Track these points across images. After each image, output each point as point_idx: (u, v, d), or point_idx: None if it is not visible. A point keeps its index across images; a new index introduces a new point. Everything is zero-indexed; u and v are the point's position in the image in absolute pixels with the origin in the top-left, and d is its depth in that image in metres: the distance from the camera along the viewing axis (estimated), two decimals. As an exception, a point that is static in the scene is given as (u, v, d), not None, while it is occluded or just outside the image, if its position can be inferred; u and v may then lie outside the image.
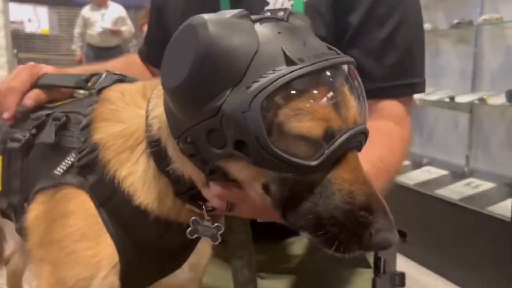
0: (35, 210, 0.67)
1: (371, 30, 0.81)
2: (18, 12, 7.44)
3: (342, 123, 0.51)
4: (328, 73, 0.52)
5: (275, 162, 0.49)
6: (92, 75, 0.76)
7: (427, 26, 2.53)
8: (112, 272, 0.64)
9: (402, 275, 0.99)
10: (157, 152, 0.61)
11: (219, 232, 0.63)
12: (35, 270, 0.68)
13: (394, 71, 0.81)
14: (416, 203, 2.16)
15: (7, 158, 0.74)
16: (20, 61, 6.64)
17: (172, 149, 0.59)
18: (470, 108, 2.48)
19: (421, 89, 0.86)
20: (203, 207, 0.62)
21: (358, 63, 0.75)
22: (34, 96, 0.77)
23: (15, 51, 6.15)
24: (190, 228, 0.63)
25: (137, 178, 0.62)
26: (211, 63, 0.48)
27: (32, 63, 0.81)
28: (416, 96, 2.44)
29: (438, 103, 2.53)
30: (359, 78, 0.56)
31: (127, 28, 5.85)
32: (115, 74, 0.76)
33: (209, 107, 0.49)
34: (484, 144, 2.46)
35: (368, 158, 0.61)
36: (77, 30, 5.99)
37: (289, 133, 0.49)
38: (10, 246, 1.15)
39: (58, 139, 0.68)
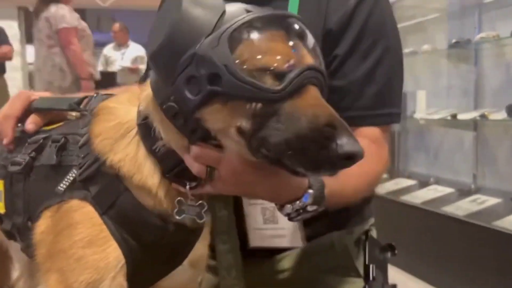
0: (42, 226, 0.71)
1: (355, 63, 0.87)
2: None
3: (299, 59, 0.60)
4: (285, 21, 0.63)
5: (244, 88, 0.56)
6: (84, 97, 0.81)
7: (426, 47, 2.58)
8: (120, 273, 0.67)
9: (394, 287, 1.01)
10: (145, 131, 0.67)
11: (203, 210, 0.69)
12: (44, 281, 0.71)
13: (375, 101, 0.88)
14: (423, 221, 2.16)
15: (9, 182, 0.78)
16: (37, 100, 6.85)
17: (158, 120, 0.65)
18: (474, 125, 2.49)
19: (397, 120, 0.92)
20: (187, 184, 0.67)
21: (342, 92, 0.86)
22: (33, 121, 0.81)
23: (32, 91, 6.36)
24: (176, 209, 0.67)
25: (129, 159, 0.68)
26: (186, 23, 0.58)
27: (22, 90, 0.87)
28: (419, 116, 2.45)
29: (441, 122, 2.54)
30: (308, 32, 0.65)
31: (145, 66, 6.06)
32: (106, 94, 0.80)
33: (186, 57, 0.58)
34: (490, 161, 2.46)
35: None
36: (98, 69, 6.17)
37: (255, 65, 0.57)
38: (17, 269, 1.18)
39: (59, 159, 0.72)
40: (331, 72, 0.86)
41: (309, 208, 0.68)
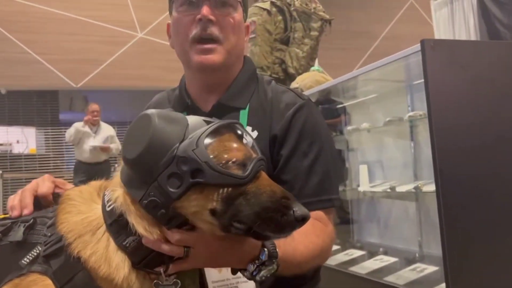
0: None
1: (298, 160, 1.07)
2: (7, 134, 7.77)
3: (250, 153, 0.78)
4: (234, 126, 0.82)
5: (222, 177, 0.72)
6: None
7: (365, 125, 2.78)
8: None
9: None
10: (118, 228, 0.77)
11: (178, 287, 0.80)
12: None
13: (317, 189, 1.06)
14: (368, 291, 2.23)
15: None
16: (6, 181, 6.83)
17: (133, 215, 0.76)
18: (415, 196, 2.64)
19: (337, 204, 1.10)
20: (161, 270, 0.78)
21: (289, 184, 1.06)
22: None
23: (0, 172, 6.36)
24: None
25: (100, 254, 0.76)
26: (160, 135, 0.73)
27: (47, 175, 1.00)
28: (363, 189, 2.60)
29: (383, 194, 2.69)
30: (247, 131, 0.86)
31: (116, 145, 6.22)
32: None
33: (165, 159, 0.72)
34: (433, 229, 2.58)
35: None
36: (71, 138, 6.19)
37: (224, 160, 0.74)
38: None
39: (26, 237, 0.81)
40: (279, 168, 1.07)
41: (267, 263, 0.82)
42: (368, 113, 2.92)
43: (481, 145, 1.88)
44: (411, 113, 2.45)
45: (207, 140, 0.75)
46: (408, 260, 2.47)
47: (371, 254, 2.68)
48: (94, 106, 6.20)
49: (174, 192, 0.72)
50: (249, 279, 0.83)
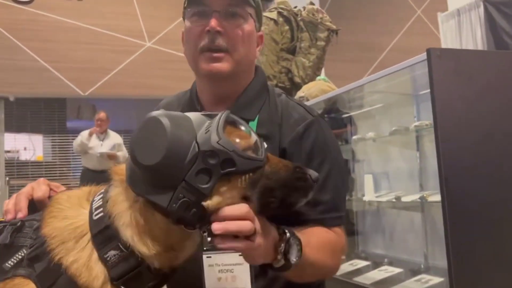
0: None
1: None
2: (15, 141, 7.83)
3: (256, 137, 0.82)
4: (233, 116, 0.84)
5: (248, 163, 0.74)
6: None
7: (371, 134, 2.77)
8: None
9: None
10: (102, 239, 0.76)
11: None
12: None
13: (328, 207, 1.07)
14: (372, 301, 2.22)
15: None
16: (12, 187, 6.87)
17: (135, 230, 0.75)
18: (421, 207, 2.62)
19: (344, 221, 1.12)
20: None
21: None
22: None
23: (7, 178, 6.40)
24: None
25: (82, 263, 0.75)
26: (176, 138, 0.72)
27: (42, 179, 0.99)
28: (368, 199, 2.59)
29: (388, 204, 2.68)
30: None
31: (123, 153, 6.26)
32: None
33: (190, 157, 0.72)
34: (439, 240, 2.56)
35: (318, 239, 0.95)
36: (78, 149, 6.22)
37: (242, 147, 0.76)
38: None
39: (13, 240, 0.80)
40: None
41: (292, 241, 0.83)
42: (374, 123, 2.91)
43: (487, 156, 1.87)
44: (417, 123, 2.45)
45: (224, 130, 0.76)
46: (413, 271, 2.44)
47: (376, 264, 2.66)
48: (101, 115, 6.25)
49: (205, 188, 0.72)
50: (283, 263, 0.83)
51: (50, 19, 7.04)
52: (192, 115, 0.78)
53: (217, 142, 0.73)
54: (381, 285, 2.28)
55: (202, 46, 1.08)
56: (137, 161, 0.72)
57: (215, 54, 1.08)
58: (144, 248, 0.75)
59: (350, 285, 2.42)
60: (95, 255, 0.76)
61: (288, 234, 0.84)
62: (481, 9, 5.16)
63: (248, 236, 0.74)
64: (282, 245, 0.82)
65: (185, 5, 1.14)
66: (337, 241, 1.06)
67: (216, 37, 1.07)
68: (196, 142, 0.73)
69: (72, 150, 6.97)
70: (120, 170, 0.82)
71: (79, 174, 6.53)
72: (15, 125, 7.72)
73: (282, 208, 0.81)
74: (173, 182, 0.72)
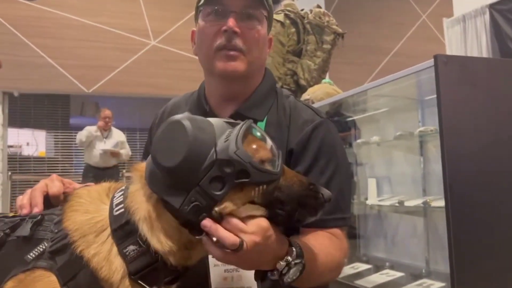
0: None
1: (314, 177, 1.07)
2: (18, 137, 7.85)
3: (274, 150, 0.83)
4: (254, 126, 0.85)
5: (263, 175, 0.76)
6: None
7: (375, 138, 2.78)
8: None
9: None
10: (122, 234, 0.77)
11: None
12: None
13: (332, 207, 1.06)
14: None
15: None
16: (14, 182, 6.89)
17: (149, 226, 0.77)
18: (424, 211, 2.63)
19: (349, 223, 1.12)
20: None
21: None
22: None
23: (9, 173, 6.42)
24: None
25: (103, 256, 0.77)
26: (197, 142, 0.74)
27: (55, 175, 1.00)
28: (371, 202, 2.59)
29: (391, 208, 2.69)
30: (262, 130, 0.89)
31: (125, 151, 6.27)
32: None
33: (207, 164, 0.73)
34: (441, 245, 2.57)
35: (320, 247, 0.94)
36: (83, 140, 6.22)
37: (259, 159, 0.78)
38: None
39: (33, 232, 0.81)
40: None
41: (296, 262, 0.83)
42: (379, 127, 2.92)
43: (491, 163, 1.88)
44: (421, 128, 2.46)
45: (242, 141, 0.77)
46: (415, 276, 2.45)
47: (377, 268, 2.67)
48: (107, 112, 6.26)
49: (218, 195, 0.74)
50: (277, 280, 0.83)
51: (56, 16, 7.06)
52: (215, 121, 0.80)
53: (234, 152, 0.74)
54: (382, 288, 2.29)
55: (219, 44, 1.09)
56: (157, 161, 0.74)
57: (232, 53, 1.08)
58: (158, 244, 0.76)
59: (351, 287, 2.43)
60: (115, 249, 0.78)
61: (294, 254, 0.83)
62: (487, 15, 5.17)
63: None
64: (282, 263, 0.82)
65: (200, 3, 1.13)
66: (341, 248, 1.05)
67: (233, 37, 1.08)
68: (215, 149, 0.74)
69: (75, 146, 6.98)
70: (141, 167, 0.83)
71: (81, 170, 6.55)
72: (19, 120, 7.74)
73: (289, 222, 0.82)
74: (187, 186, 0.74)
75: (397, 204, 2.55)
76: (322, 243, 0.99)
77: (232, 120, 0.83)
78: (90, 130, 6.19)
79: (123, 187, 0.84)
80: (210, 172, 0.73)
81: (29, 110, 7.90)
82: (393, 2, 8.79)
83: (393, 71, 2.28)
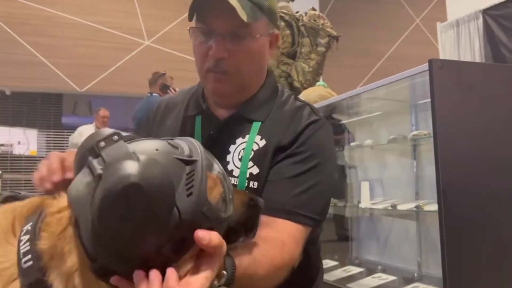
0: None
1: (290, 164, 1.04)
2: (9, 135, 7.78)
3: (226, 184, 0.76)
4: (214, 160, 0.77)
5: (225, 223, 0.72)
6: None
7: (368, 141, 2.78)
8: None
9: None
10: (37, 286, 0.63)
11: None
12: None
13: (300, 202, 1.01)
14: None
15: None
16: (5, 181, 6.82)
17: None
18: (416, 215, 2.64)
19: (317, 226, 1.05)
20: None
21: (272, 186, 1.04)
22: None
23: (0, 172, 6.36)
24: None
25: None
26: (160, 210, 0.61)
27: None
28: (364, 206, 2.58)
29: (384, 212, 2.69)
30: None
31: None
32: (8, 194, 0.83)
33: (170, 229, 0.61)
34: (433, 249, 2.58)
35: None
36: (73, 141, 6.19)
37: (216, 203, 0.69)
38: None
39: None
40: (270, 167, 1.06)
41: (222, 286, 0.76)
42: (372, 131, 2.93)
43: (484, 167, 1.89)
44: (415, 132, 2.46)
45: (205, 195, 0.66)
46: (407, 279, 2.45)
47: (370, 271, 2.67)
48: (105, 112, 6.23)
49: (177, 257, 0.64)
50: None
51: (49, 14, 7.01)
52: (164, 157, 0.65)
53: (201, 211, 0.64)
54: (374, 292, 2.29)
55: (207, 67, 1.09)
56: (114, 235, 0.60)
57: (218, 76, 1.08)
58: None
59: (344, 291, 2.42)
60: None
61: (221, 280, 0.75)
62: (480, 20, 5.20)
63: None
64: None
65: (189, 14, 1.08)
66: (291, 255, 0.96)
67: (218, 61, 1.06)
68: (177, 207, 0.61)
69: (67, 146, 6.93)
70: (63, 211, 0.68)
71: (73, 170, 6.49)
72: (10, 119, 7.67)
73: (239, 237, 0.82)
74: (147, 255, 0.62)
75: (390, 208, 2.55)
76: (269, 252, 0.91)
77: (176, 144, 0.71)
78: (82, 131, 6.16)
79: (29, 225, 0.69)
80: (172, 235, 0.62)
81: (21, 108, 7.83)
82: (388, 5, 8.83)
83: (386, 75, 2.28)
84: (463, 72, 1.93)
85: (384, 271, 2.67)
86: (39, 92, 7.49)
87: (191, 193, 0.63)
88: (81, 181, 0.64)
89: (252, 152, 1.07)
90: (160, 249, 0.62)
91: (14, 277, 0.65)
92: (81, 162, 0.67)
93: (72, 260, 0.63)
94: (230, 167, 1.07)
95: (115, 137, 0.67)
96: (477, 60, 5.04)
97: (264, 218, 0.93)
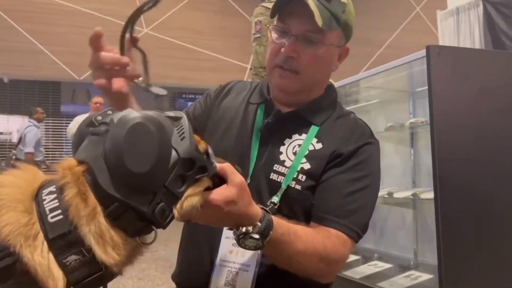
0: None
1: (345, 181, 1.10)
2: (7, 123, 7.77)
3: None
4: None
5: (214, 167, 0.81)
6: None
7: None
8: None
9: None
10: (61, 244, 0.69)
11: None
12: None
13: (350, 215, 1.07)
14: (361, 296, 2.23)
15: None
16: (3, 169, 6.83)
17: (96, 239, 0.69)
18: (413, 203, 2.64)
19: (356, 239, 1.09)
20: None
21: (327, 194, 1.10)
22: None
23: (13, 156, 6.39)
24: None
25: (42, 267, 0.68)
26: (162, 143, 0.73)
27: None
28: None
29: (380, 200, 2.68)
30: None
31: None
32: None
33: (171, 165, 0.73)
34: (429, 237, 2.58)
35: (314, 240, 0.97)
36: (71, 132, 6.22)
37: (204, 151, 0.79)
38: None
39: None
40: (325, 179, 1.12)
41: (254, 236, 0.86)
42: (370, 118, 2.92)
43: (482, 155, 1.88)
44: (412, 120, 2.45)
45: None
46: (403, 267, 2.46)
47: (366, 259, 2.67)
48: (98, 99, 6.24)
49: (180, 192, 0.75)
50: (236, 240, 0.88)
51: (48, 2, 6.96)
52: (159, 116, 0.78)
53: (195, 150, 0.76)
54: (370, 279, 2.29)
55: (276, 62, 1.16)
56: (127, 168, 0.71)
57: (285, 73, 1.15)
58: (105, 255, 0.72)
59: (339, 278, 2.43)
60: (51, 258, 0.70)
61: (256, 229, 0.87)
62: (480, 8, 5.16)
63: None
64: (242, 229, 0.86)
65: (272, 13, 1.19)
66: (334, 250, 1.02)
67: (288, 60, 1.14)
68: (175, 148, 0.75)
69: (65, 134, 6.94)
70: (74, 167, 0.73)
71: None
72: (9, 107, 7.66)
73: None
74: (155, 188, 0.73)
75: (386, 196, 2.55)
76: (313, 235, 1.00)
77: (167, 114, 0.81)
78: (79, 121, 6.15)
79: (50, 186, 0.73)
80: (174, 171, 0.74)
81: (19, 96, 7.81)
82: (388, -7, 8.77)
83: (386, 63, 2.27)
84: (461, 58, 1.91)
85: (380, 259, 2.68)
86: (38, 80, 7.46)
87: (184, 137, 0.75)
88: (86, 144, 0.75)
89: (307, 151, 1.14)
90: (164, 184, 0.73)
91: (38, 230, 0.70)
92: (81, 138, 0.76)
93: (92, 201, 0.71)
94: (282, 157, 1.15)
95: (109, 111, 0.78)
96: (477, 48, 5.01)
97: (316, 227, 1.03)
